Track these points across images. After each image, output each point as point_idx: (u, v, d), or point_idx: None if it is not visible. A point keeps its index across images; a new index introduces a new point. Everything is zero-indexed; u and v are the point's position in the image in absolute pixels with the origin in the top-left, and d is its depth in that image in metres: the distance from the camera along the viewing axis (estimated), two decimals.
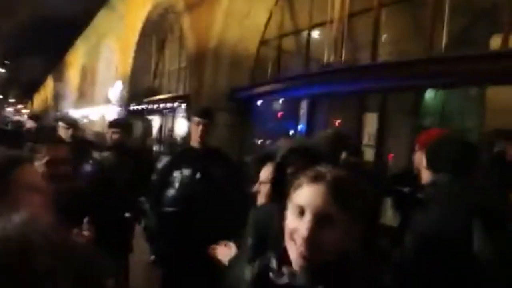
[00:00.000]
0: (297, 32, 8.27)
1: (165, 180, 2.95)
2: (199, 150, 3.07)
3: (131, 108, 14.56)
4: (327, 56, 6.61)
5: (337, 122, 6.91)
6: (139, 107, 13.91)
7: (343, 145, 2.70)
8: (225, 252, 2.01)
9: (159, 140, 13.04)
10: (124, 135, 3.70)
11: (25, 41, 23.74)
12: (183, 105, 10.60)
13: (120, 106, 15.85)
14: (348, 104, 6.68)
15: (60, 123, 3.84)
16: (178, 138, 10.72)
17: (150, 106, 13.01)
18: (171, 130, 12.17)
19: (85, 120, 19.24)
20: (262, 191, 1.95)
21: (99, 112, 18.48)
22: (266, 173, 1.94)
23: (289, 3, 8.28)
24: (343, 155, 2.74)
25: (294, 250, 1.03)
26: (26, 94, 45.09)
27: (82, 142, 3.86)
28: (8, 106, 43.56)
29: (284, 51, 8.53)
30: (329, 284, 1.00)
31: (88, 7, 18.29)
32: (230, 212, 2.71)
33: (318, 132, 4.15)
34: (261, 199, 1.96)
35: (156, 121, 13.59)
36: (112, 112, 17.28)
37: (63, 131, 3.71)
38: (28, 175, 1.02)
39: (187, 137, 9.31)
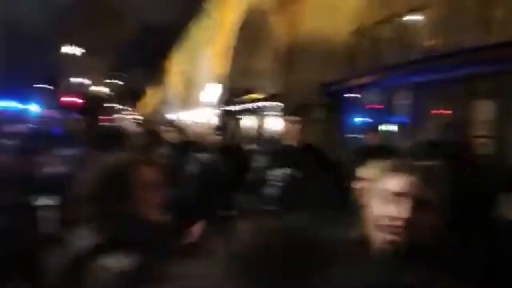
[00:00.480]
0: (392, 18, 7.79)
1: (263, 178, 2.99)
2: (296, 148, 3.05)
3: (227, 109, 15.19)
4: (428, 41, 6.11)
5: (442, 112, 6.34)
6: (234, 107, 14.45)
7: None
8: None
9: (253, 139, 13.36)
10: (225, 136, 3.85)
11: (131, 53, 26.11)
12: (276, 103, 10.70)
13: (217, 107, 16.64)
14: (453, 92, 6.08)
15: (165, 127, 4.13)
16: (273, 137, 10.86)
17: (244, 106, 13.43)
18: (265, 128, 12.38)
19: (186, 123, 20.53)
20: (364, 189, 1.85)
21: (199, 114, 19.58)
22: (372, 170, 1.83)
23: None
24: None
25: (382, 235, 1.06)
26: (133, 101, 49.58)
27: (185, 143, 4.09)
28: (117, 113, 48.38)
29: (379, 40, 8.11)
30: (422, 266, 1.01)
31: (185, 16, 19.50)
32: (330, 209, 2.63)
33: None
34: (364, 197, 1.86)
35: (250, 121, 13.97)
36: (210, 113, 18.23)
37: (168, 134, 3.99)
38: (145, 175, 1.10)
39: (282, 135, 9.42)
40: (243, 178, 3.09)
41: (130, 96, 46.09)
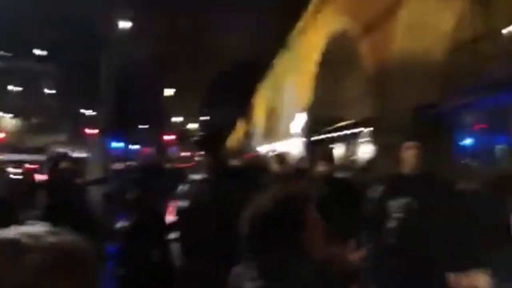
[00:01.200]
0: (494, 32, 7.20)
1: (381, 210, 2.80)
2: (413, 176, 2.83)
3: (314, 138, 15.09)
4: None
5: None
6: (322, 136, 14.31)
7: None
8: (483, 279, 1.75)
9: (346, 168, 12.99)
10: (332, 166, 3.74)
11: (222, 91, 27.57)
12: (367, 130, 10.36)
13: (304, 137, 16.64)
14: None
15: (271, 157, 4.18)
16: (367, 164, 10.44)
17: (332, 135, 13.24)
18: (357, 156, 12.00)
19: (270, 153, 20.77)
20: None
21: (285, 145, 19.78)
22: None
23: (480, 2, 7.33)
24: None
25: None
26: (222, 135, 51.84)
27: (290, 175, 4.06)
28: None
29: (480, 56, 7.50)
30: None
31: (270, 51, 20.17)
32: (455, 242, 2.38)
33: None
34: None
35: (340, 149, 13.69)
36: (296, 144, 18.29)
37: (274, 166, 4.02)
38: (313, 211, 1.06)
39: (376, 162, 9.01)
40: (358, 210, 2.93)
41: (219, 131, 48.34)
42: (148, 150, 29.73)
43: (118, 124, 18.46)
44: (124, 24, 9.41)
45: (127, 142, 31.95)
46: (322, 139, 14.27)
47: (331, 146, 14.17)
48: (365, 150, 11.21)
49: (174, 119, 27.48)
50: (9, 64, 48.05)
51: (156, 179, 7.00)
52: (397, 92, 8.37)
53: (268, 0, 16.19)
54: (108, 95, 9.31)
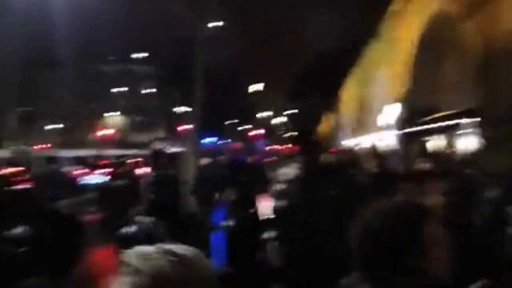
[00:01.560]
0: None
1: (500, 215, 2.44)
2: None
3: (409, 130, 14.14)
4: None
5: None
6: (417, 128, 13.35)
7: None
8: None
9: (444, 163, 11.97)
10: (437, 164, 3.41)
11: (310, 84, 27.32)
12: (472, 120, 9.39)
13: (398, 129, 15.71)
14: None
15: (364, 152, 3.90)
16: (470, 159, 9.49)
17: (429, 126, 12.26)
18: (457, 150, 10.97)
19: (363, 147, 20.03)
20: None
21: (377, 138, 18.91)
22: None
23: None
24: None
25: None
26: (310, 129, 51.46)
27: (389, 173, 3.74)
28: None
29: None
30: None
31: (356, 44, 19.40)
32: None
33: None
34: None
35: (437, 142, 12.65)
36: (389, 137, 17.36)
37: (370, 161, 3.74)
38: (435, 225, 0.91)
39: (482, 157, 8.12)
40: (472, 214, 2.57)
41: (305, 125, 48.10)
42: (237, 145, 30.71)
43: (209, 120, 19.32)
44: (215, 24, 9.72)
45: (218, 137, 33.34)
46: (418, 132, 13.31)
47: (428, 139, 13.15)
48: (468, 144, 10.20)
49: (262, 114, 27.95)
50: (115, 68, 53.18)
51: (245, 175, 7.09)
52: (505, 78, 7.44)
53: None
54: (199, 93, 9.71)
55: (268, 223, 2.47)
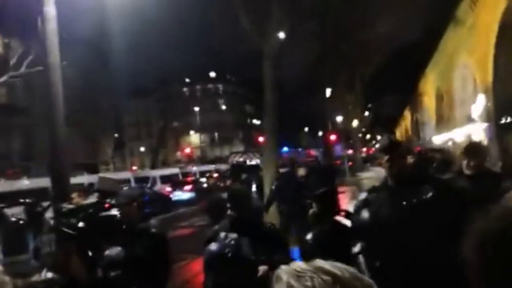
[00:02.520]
0: None
1: None
2: None
3: (502, 122, 12.87)
4: None
5: None
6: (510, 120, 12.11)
7: None
8: None
9: None
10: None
11: (383, 82, 26.28)
12: None
13: (487, 121, 14.38)
14: None
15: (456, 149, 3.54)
16: None
17: None
18: None
19: (449, 144, 18.70)
20: None
21: (463, 133, 17.51)
22: None
23: None
24: None
25: None
26: (387, 129, 49.38)
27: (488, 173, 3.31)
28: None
29: None
30: None
31: (434, 32, 18.22)
32: None
33: None
34: None
35: None
36: (477, 130, 15.95)
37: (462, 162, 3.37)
38: None
39: None
40: None
41: (382, 125, 46.26)
42: (313, 152, 30.39)
43: (285, 129, 19.40)
44: (282, 34, 9.80)
45: (294, 146, 33.35)
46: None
47: None
48: None
49: (338, 118, 27.41)
50: (191, 88, 56.17)
51: (324, 182, 6.95)
52: None
53: None
54: (273, 104, 9.82)
55: (353, 236, 2.32)
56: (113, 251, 2.64)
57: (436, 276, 1.99)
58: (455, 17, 16.11)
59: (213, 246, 2.42)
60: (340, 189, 11.24)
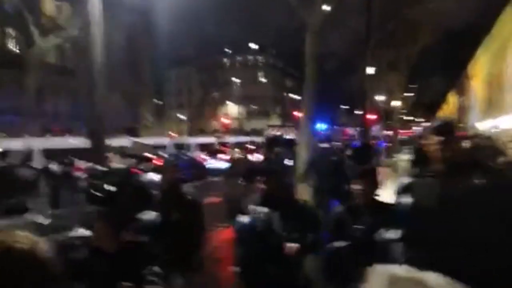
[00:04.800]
0: None
1: None
2: None
3: None
4: None
5: None
6: None
7: None
8: None
9: None
10: None
11: (428, 63, 25.13)
12: None
13: None
14: None
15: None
16: None
17: None
18: None
19: (496, 131, 17.81)
20: None
21: (510, 120, 16.59)
22: None
23: None
24: None
25: None
26: (430, 112, 47.47)
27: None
28: (416, 126, 47.13)
29: None
30: None
31: (488, 13, 17.08)
32: None
33: None
34: None
35: None
36: None
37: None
38: None
39: None
40: None
41: (425, 107, 44.49)
42: (349, 130, 29.82)
43: (323, 106, 19.07)
44: (325, 7, 9.50)
45: (333, 123, 32.83)
46: None
47: None
48: None
49: (379, 97, 26.57)
50: (232, 59, 56.01)
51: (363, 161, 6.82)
52: None
53: None
54: (313, 80, 9.67)
55: (392, 221, 2.15)
56: (147, 215, 2.71)
57: (484, 275, 1.74)
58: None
59: (244, 218, 2.46)
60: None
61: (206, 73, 45.35)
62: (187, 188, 3.47)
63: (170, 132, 40.25)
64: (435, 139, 2.10)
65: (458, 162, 2.04)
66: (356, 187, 2.59)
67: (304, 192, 6.59)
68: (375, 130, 25.23)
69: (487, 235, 1.78)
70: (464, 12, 16.80)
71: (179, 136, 34.16)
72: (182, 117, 50.41)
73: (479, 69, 24.80)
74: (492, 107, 21.24)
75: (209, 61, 45.51)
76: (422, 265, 1.93)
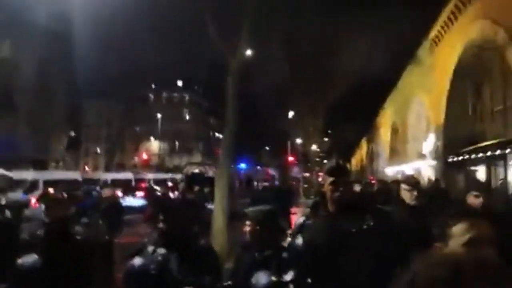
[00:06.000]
0: None
1: None
2: None
3: (449, 160, 13.51)
4: None
5: None
6: (458, 158, 12.73)
7: None
8: None
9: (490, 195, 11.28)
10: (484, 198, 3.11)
11: (343, 111, 27.00)
12: None
13: (436, 159, 15.05)
14: None
15: (403, 185, 3.58)
16: None
17: (472, 156, 11.65)
18: (505, 181, 10.31)
19: (399, 176, 19.37)
20: None
21: (413, 167, 18.22)
22: None
23: None
24: None
25: None
26: (344, 156, 50.60)
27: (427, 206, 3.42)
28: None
29: None
30: None
31: (395, 69, 19.00)
32: None
33: None
34: None
35: (480, 172, 11.97)
36: (426, 166, 16.65)
37: (405, 194, 3.45)
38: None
39: None
40: None
41: (338, 152, 47.37)
42: (271, 171, 30.55)
43: (245, 145, 19.34)
44: (248, 52, 9.83)
45: (252, 163, 33.35)
46: (460, 161, 12.66)
47: (472, 168, 12.48)
48: None
49: (298, 140, 27.82)
50: (157, 94, 55.17)
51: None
52: None
53: (393, 13, 15.20)
54: (233, 120, 9.75)
55: (285, 263, 2.13)
56: (26, 259, 2.39)
57: None
58: (416, 56, 16.94)
59: (137, 261, 2.26)
60: (294, 210, 11.38)
61: (129, 106, 43.94)
62: (80, 228, 3.10)
63: (85, 167, 37.72)
64: (328, 180, 2.11)
65: (347, 203, 2.07)
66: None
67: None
68: (295, 171, 26.13)
69: (364, 274, 1.88)
70: (375, 67, 18.52)
71: (94, 171, 32.17)
72: (99, 151, 47.84)
73: (387, 119, 27.18)
74: (397, 154, 23.22)
75: (133, 95, 44.33)
76: None
